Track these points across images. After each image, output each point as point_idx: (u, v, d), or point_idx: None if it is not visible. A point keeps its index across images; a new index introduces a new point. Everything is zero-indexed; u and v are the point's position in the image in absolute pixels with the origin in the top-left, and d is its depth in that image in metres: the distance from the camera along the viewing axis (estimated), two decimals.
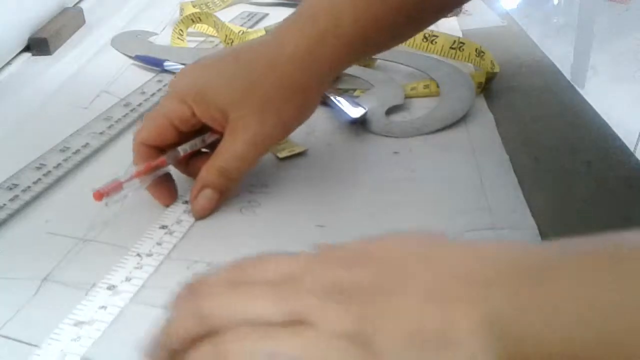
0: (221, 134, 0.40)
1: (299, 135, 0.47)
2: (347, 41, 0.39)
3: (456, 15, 0.71)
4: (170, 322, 0.27)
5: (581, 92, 0.54)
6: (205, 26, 0.65)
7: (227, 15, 0.72)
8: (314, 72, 0.40)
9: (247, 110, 0.39)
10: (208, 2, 0.74)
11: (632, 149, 0.46)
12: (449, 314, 0.24)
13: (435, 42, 0.57)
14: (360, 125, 0.48)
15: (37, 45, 0.62)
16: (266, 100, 0.39)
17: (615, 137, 0.47)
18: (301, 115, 0.41)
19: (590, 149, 0.45)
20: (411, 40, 0.58)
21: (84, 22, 0.70)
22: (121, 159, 0.45)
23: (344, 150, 0.46)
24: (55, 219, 0.39)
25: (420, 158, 0.45)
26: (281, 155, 0.45)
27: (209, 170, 0.39)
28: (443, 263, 0.26)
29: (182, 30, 0.64)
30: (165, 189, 0.40)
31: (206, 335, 0.25)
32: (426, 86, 0.53)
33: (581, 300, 0.22)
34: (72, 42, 0.65)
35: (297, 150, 0.45)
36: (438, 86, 0.52)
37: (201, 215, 0.39)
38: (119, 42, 0.64)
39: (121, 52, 0.62)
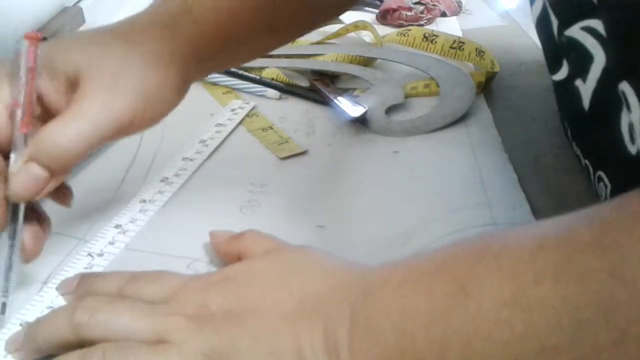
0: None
1: (299, 136, 0.47)
2: (204, 30, 0.35)
3: (456, 14, 0.71)
4: (44, 320, 0.29)
5: None
6: None
7: None
8: (172, 50, 0.34)
9: (99, 77, 0.32)
10: None
11: None
12: (299, 335, 0.26)
13: (435, 42, 0.58)
14: (360, 124, 0.48)
15: None
16: (121, 67, 0.32)
17: None
18: (156, 98, 0.33)
19: None
20: (411, 39, 0.59)
21: (83, 21, 0.69)
22: (121, 158, 0.45)
23: (344, 150, 0.46)
24: (55, 219, 0.39)
25: (420, 157, 0.45)
26: (281, 155, 0.45)
27: (40, 144, 0.31)
28: (299, 283, 0.28)
29: None
30: None
31: (75, 342, 0.27)
32: (426, 85, 0.53)
33: (397, 313, 0.24)
34: None
35: (297, 151, 0.45)
36: (438, 85, 0.52)
37: (21, 197, 0.31)
38: None
39: None
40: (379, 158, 0.45)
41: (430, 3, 0.69)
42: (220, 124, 0.49)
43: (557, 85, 0.41)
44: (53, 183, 0.32)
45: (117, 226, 0.38)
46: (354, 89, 0.53)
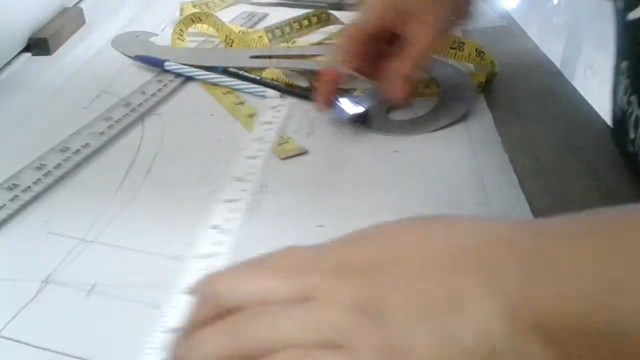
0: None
1: (299, 136, 0.47)
2: None
3: None
4: (189, 311, 0.27)
5: (581, 92, 0.54)
6: (205, 26, 0.65)
7: (227, 15, 0.72)
8: None
9: (425, 6, 0.46)
10: (208, 2, 0.74)
11: None
12: (458, 280, 0.24)
13: None
14: (361, 124, 0.48)
15: (37, 45, 0.62)
16: None
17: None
18: (463, 11, 0.49)
19: (590, 149, 0.45)
20: None
21: (84, 22, 0.69)
22: (121, 159, 0.45)
23: (344, 150, 0.46)
24: (55, 219, 0.39)
25: (420, 157, 0.45)
26: (282, 156, 0.45)
27: (403, 61, 0.46)
28: (451, 237, 0.26)
29: (182, 31, 0.64)
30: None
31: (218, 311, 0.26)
32: (427, 86, 0.53)
33: (584, 267, 0.22)
34: (72, 42, 0.65)
35: (297, 151, 0.45)
36: (439, 86, 0.52)
37: (399, 100, 0.47)
38: (120, 42, 0.64)
39: (121, 52, 0.62)
40: (379, 158, 0.45)
41: None
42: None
43: (632, 25, 0.40)
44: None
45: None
46: (354, 89, 0.53)
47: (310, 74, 0.56)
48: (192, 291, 0.27)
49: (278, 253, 0.28)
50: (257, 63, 0.57)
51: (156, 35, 0.66)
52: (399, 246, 0.26)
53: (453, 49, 0.57)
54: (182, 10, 0.70)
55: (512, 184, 0.41)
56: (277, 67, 0.57)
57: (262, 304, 0.25)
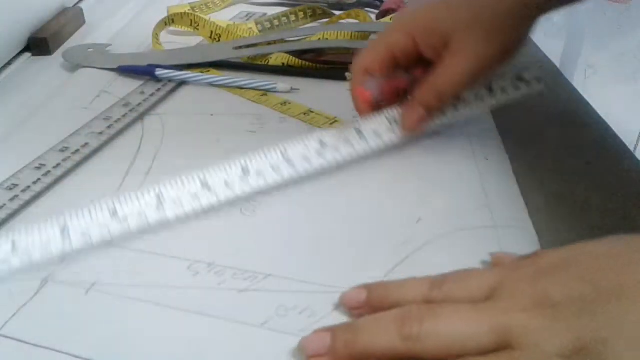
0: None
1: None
2: None
3: None
4: (365, 327, 0.26)
5: (581, 92, 0.54)
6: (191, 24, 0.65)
7: (226, 15, 0.72)
8: (526, 9, 0.41)
9: (471, 36, 0.41)
10: (208, 3, 0.74)
11: (632, 149, 0.46)
12: None
13: None
14: None
15: (37, 45, 0.62)
16: (491, 28, 0.41)
17: (615, 137, 0.47)
18: (520, 44, 0.43)
19: (590, 149, 0.45)
20: None
21: (84, 22, 0.70)
22: (121, 158, 0.45)
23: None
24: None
25: (420, 159, 0.44)
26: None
27: (426, 90, 0.42)
28: None
29: (157, 34, 0.63)
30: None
31: (404, 354, 0.25)
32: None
33: None
34: (72, 42, 0.65)
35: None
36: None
37: (411, 130, 0.43)
38: (73, 57, 0.60)
39: (94, 67, 0.59)
40: (379, 159, 0.45)
41: None
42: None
43: None
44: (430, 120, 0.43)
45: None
46: None
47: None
48: (385, 320, 0.26)
49: (457, 277, 0.27)
50: (244, 53, 0.57)
51: (110, 45, 0.63)
52: (610, 277, 0.23)
53: None
54: (169, 12, 0.69)
55: (512, 186, 0.41)
56: (281, 52, 0.57)
57: (455, 348, 0.24)
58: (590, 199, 0.40)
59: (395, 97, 0.45)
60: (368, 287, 0.30)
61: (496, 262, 0.32)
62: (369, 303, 0.29)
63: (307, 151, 0.41)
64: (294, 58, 0.56)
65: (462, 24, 0.41)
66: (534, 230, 0.37)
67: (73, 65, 0.59)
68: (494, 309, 0.24)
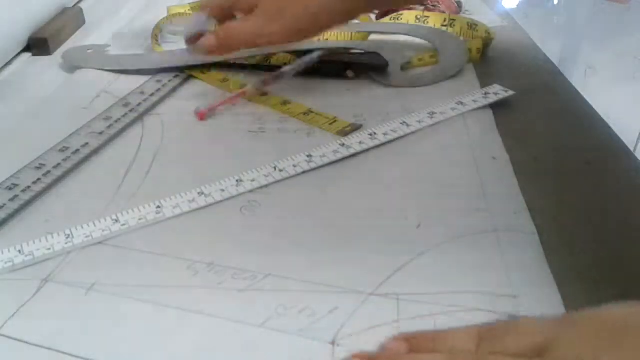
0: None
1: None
2: None
3: (457, 14, 0.71)
4: None
5: (581, 92, 0.54)
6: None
7: None
8: None
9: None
10: None
11: (632, 149, 0.46)
12: None
13: (427, 22, 0.64)
14: (379, 77, 0.55)
15: (37, 45, 0.62)
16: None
17: (615, 137, 0.47)
18: (309, 25, 0.48)
19: (590, 149, 0.45)
20: (404, 22, 0.65)
21: (84, 22, 0.70)
22: (121, 158, 0.45)
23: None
24: (55, 219, 0.39)
25: (420, 159, 0.44)
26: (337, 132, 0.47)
27: (219, 32, 0.49)
28: None
29: (156, 36, 0.63)
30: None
31: None
32: (432, 56, 0.58)
33: None
34: (72, 42, 0.65)
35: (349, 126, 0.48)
36: (439, 54, 0.59)
37: (199, 52, 0.50)
38: (72, 58, 0.60)
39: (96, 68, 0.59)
40: (378, 159, 0.45)
41: (430, 3, 0.69)
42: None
43: None
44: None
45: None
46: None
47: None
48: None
49: (509, 329, 0.27)
50: (244, 53, 0.57)
51: (109, 46, 0.63)
52: None
53: (444, 26, 0.63)
54: (169, 11, 0.68)
55: (513, 187, 0.41)
56: (284, 51, 0.57)
57: None
58: (590, 199, 0.40)
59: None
60: (409, 339, 0.29)
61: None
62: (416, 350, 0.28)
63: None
64: (295, 58, 0.56)
65: None
66: (536, 233, 0.37)
67: (73, 66, 0.59)
68: None
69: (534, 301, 0.32)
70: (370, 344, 0.29)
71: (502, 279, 0.33)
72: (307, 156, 0.44)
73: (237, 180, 0.41)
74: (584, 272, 0.34)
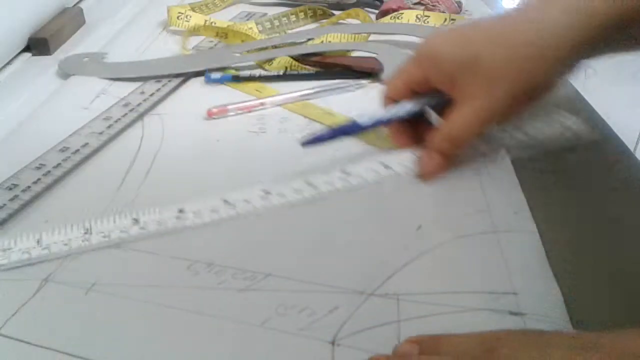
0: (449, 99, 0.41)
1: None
2: (600, 22, 0.36)
3: (457, 14, 0.71)
4: None
5: (581, 92, 0.54)
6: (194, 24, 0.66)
7: (226, 15, 0.72)
8: (552, 50, 0.37)
9: (474, 80, 0.39)
10: (208, 3, 0.74)
11: (632, 149, 0.46)
12: None
13: (428, 22, 0.64)
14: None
15: (37, 45, 0.62)
16: (494, 74, 0.39)
17: (615, 137, 0.47)
18: (533, 93, 0.40)
19: (590, 149, 0.45)
20: (405, 21, 0.65)
21: (84, 22, 0.70)
22: (121, 158, 0.45)
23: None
24: (55, 219, 0.39)
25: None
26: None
27: (440, 137, 0.41)
28: None
29: (184, 43, 0.62)
30: (406, 135, 0.44)
31: None
32: None
33: None
34: (72, 42, 0.65)
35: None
36: None
37: (428, 178, 0.42)
38: (69, 66, 0.59)
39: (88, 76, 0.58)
40: (378, 162, 0.45)
41: (430, 3, 0.69)
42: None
43: None
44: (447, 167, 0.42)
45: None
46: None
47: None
48: None
49: (513, 346, 0.27)
50: (245, 58, 0.57)
51: (106, 54, 0.62)
52: None
53: (445, 26, 0.63)
54: (168, 11, 0.68)
55: (513, 188, 0.41)
56: (286, 55, 0.57)
57: None
58: (590, 199, 0.40)
59: (413, 140, 0.44)
60: (419, 341, 0.30)
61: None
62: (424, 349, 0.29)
63: (330, 179, 0.41)
64: (296, 63, 0.56)
65: (464, 64, 0.39)
66: (536, 233, 0.37)
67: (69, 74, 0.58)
68: None
69: (535, 301, 0.32)
70: (370, 344, 0.29)
71: (503, 279, 0.33)
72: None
73: (264, 192, 0.41)
74: (584, 272, 0.34)
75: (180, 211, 0.38)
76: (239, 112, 0.50)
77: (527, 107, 0.42)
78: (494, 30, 0.39)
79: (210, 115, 0.49)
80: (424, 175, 0.42)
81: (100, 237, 0.36)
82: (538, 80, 0.39)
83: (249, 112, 0.51)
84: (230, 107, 0.50)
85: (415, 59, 0.42)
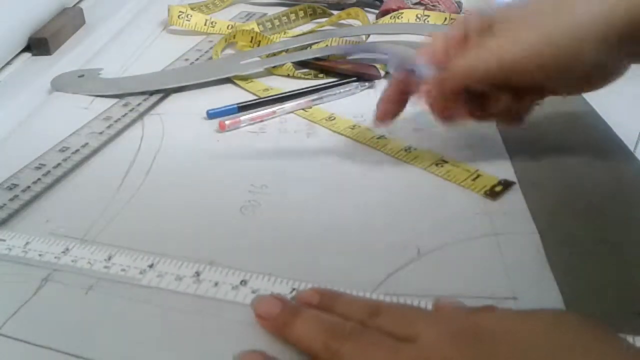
0: None
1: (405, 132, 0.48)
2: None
3: (457, 14, 0.71)
4: (304, 322, 0.29)
5: None
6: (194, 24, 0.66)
7: (226, 15, 0.72)
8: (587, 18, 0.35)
9: (503, 26, 0.37)
10: (208, 3, 0.74)
11: (632, 149, 0.46)
12: None
13: (427, 21, 0.63)
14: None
15: (37, 45, 0.62)
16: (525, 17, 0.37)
17: (615, 137, 0.47)
18: (558, 61, 0.36)
19: (590, 149, 0.45)
20: (405, 21, 0.65)
21: (84, 22, 0.70)
22: (121, 158, 0.45)
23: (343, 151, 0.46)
24: (55, 219, 0.39)
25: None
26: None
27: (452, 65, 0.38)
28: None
29: (217, 52, 0.61)
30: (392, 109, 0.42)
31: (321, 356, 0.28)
32: None
33: None
34: (72, 42, 0.65)
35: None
36: None
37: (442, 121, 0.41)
38: (62, 84, 0.56)
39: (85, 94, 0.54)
40: (379, 166, 0.45)
41: (430, 3, 0.69)
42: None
43: None
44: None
45: None
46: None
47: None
48: (321, 326, 0.29)
49: (397, 314, 0.29)
50: (250, 67, 0.57)
51: (102, 69, 0.59)
52: None
53: (445, 25, 0.63)
54: (169, 10, 0.68)
55: (514, 188, 0.41)
56: (290, 62, 0.57)
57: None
58: (590, 199, 0.40)
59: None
60: (320, 293, 0.32)
61: (437, 307, 0.31)
62: (319, 306, 0.31)
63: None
64: (295, 70, 0.56)
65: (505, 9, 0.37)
66: (536, 233, 0.37)
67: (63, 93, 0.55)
68: (408, 352, 0.26)
69: (535, 302, 0.32)
70: None
71: (503, 280, 0.33)
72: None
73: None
74: (584, 272, 0.34)
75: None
76: (251, 122, 0.49)
77: (544, 94, 0.40)
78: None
79: (222, 129, 0.48)
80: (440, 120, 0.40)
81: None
82: (564, 41, 0.35)
83: (261, 121, 0.50)
84: (242, 118, 0.49)
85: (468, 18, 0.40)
